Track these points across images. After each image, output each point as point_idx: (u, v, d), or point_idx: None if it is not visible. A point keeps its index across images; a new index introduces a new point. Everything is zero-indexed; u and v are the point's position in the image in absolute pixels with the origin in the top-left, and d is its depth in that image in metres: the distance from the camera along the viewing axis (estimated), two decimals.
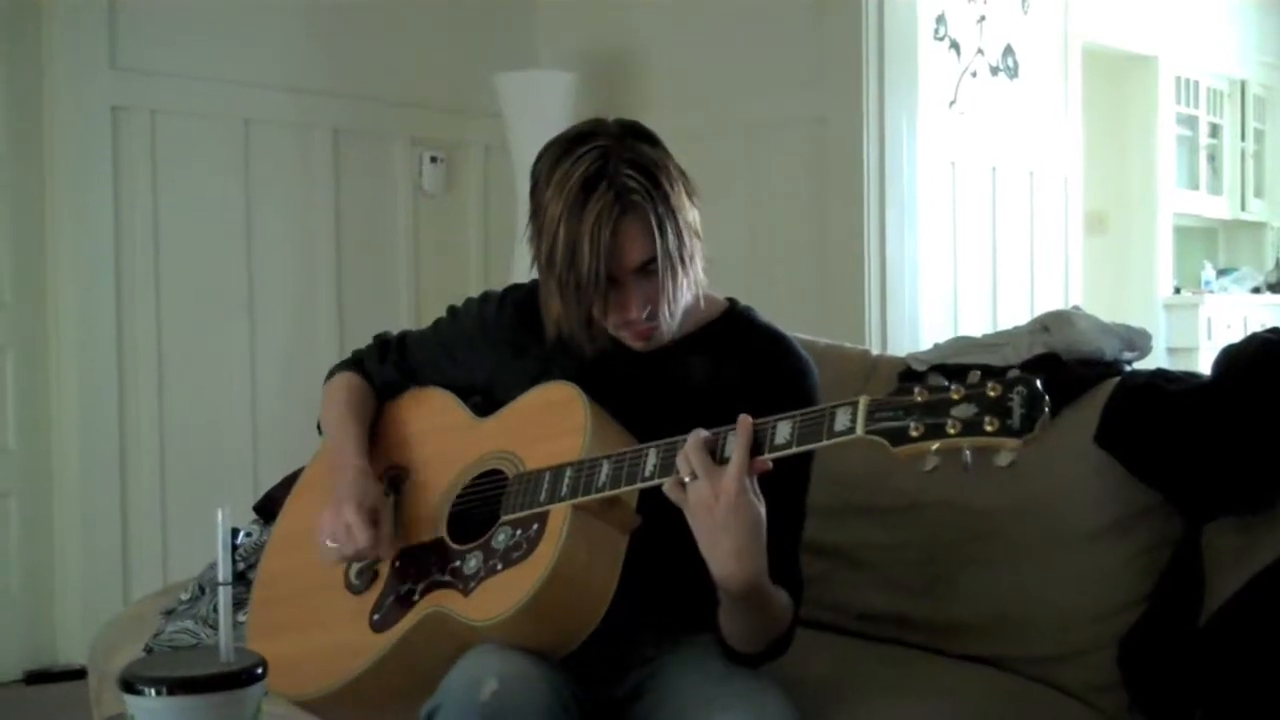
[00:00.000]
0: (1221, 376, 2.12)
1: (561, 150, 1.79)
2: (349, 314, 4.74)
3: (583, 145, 1.76)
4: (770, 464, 1.58)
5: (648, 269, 1.76)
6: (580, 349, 1.86)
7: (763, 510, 1.58)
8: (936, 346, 2.55)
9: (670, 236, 1.75)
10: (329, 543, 1.87)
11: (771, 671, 1.79)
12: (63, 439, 4.16)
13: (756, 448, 1.57)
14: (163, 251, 4.28)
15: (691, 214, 1.80)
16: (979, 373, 1.43)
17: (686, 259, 1.78)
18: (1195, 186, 8.11)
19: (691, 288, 1.82)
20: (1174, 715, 1.98)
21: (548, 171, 1.79)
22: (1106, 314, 2.44)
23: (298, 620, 1.94)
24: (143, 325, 4.24)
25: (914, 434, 1.43)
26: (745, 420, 1.58)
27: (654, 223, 1.74)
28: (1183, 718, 1.95)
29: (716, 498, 1.56)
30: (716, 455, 1.58)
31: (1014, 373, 1.42)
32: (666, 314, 1.79)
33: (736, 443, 1.56)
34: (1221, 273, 8.30)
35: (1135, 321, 2.45)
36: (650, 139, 1.81)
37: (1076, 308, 2.51)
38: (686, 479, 1.58)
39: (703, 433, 1.60)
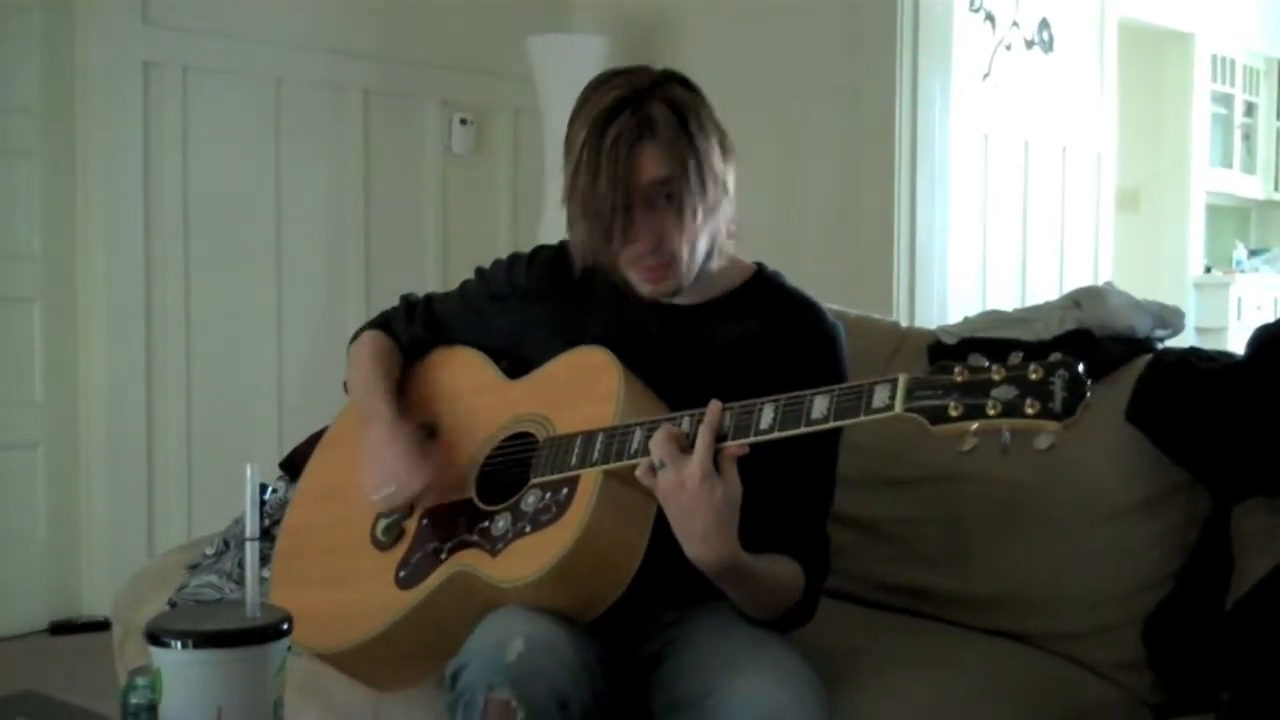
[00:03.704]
0: (1254, 356, 2.11)
1: (600, 82, 1.81)
2: (376, 274, 4.75)
3: (619, 78, 1.79)
4: (747, 449, 1.60)
5: (657, 202, 1.76)
6: (604, 289, 1.88)
7: (736, 493, 1.60)
8: (966, 320, 2.53)
9: (691, 173, 1.75)
10: (378, 495, 1.88)
11: (794, 639, 1.79)
12: (90, 392, 4.18)
13: (740, 432, 1.59)
14: (192, 208, 4.29)
15: (719, 165, 1.79)
16: (1020, 354, 1.43)
17: (708, 203, 1.77)
18: (1229, 165, 8.04)
19: (709, 238, 1.81)
20: (1200, 695, 1.97)
21: (581, 103, 1.81)
22: (1136, 292, 2.42)
23: (323, 575, 1.94)
24: (171, 281, 4.26)
25: (953, 413, 1.44)
26: (714, 406, 1.61)
27: (674, 153, 1.74)
28: (1209, 698, 1.94)
29: (682, 484, 1.59)
30: (685, 443, 1.61)
31: (1056, 356, 1.42)
32: (678, 252, 1.78)
33: (701, 431, 1.60)
34: (1253, 253, 8.23)
35: (1165, 300, 2.43)
36: (690, 86, 1.82)
37: (1109, 284, 2.49)
38: (657, 465, 1.61)
39: (670, 426, 1.62)
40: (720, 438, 1.61)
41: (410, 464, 1.88)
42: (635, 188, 1.74)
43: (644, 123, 1.73)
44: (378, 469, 1.90)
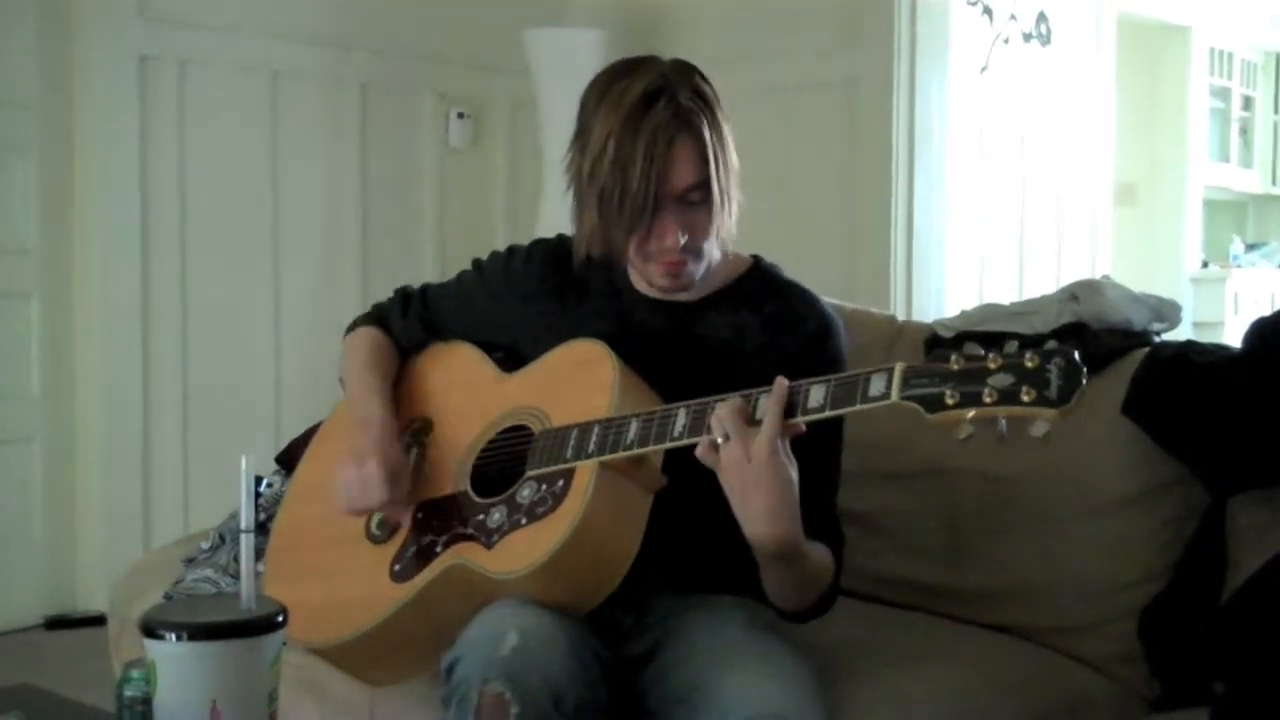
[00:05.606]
0: (1252, 348, 2.10)
1: (617, 73, 1.80)
2: (374, 268, 4.74)
3: (640, 68, 1.78)
4: (804, 427, 1.58)
5: (689, 198, 1.75)
6: (601, 283, 1.89)
7: (794, 472, 1.58)
8: (964, 313, 2.53)
9: (721, 167, 1.76)
10: (346, 494, 1.87)
11: (789, 633, 1.79)
12: (86, 386, 4.17)
13: (789, 410, 1.57)
14: (188, 202, 4.29)
15: (735, 159, 1.80)
16: (1016, 342, 1.43)
17: (729, 198, 1.79)
18: (1226, 159, 8.05)
19: (722, 233, 1.81)
20: (1195, 689, 1.97)
21: (599, 92, 1.79)
22: (1133, 286, 2.42)
23: (316, 569, 1.93)
24: (168, 274, 4.25)
25: (949, 402, 1.43)
26: (781, 383, 1.58)
27: (709, 148, 1.74)
28: (1203, 692, 1.94)
29: (749, 459, 1.56)
30: (750, 417, 1.58)
31: (1051, 343, 1.42)
32: (704, 247, 1.79)
33: (769, 405, 1.56)
34: (1250, 247, 8.24)
35: (1162, 294, 2.43)
36: (705, 78, 1.82)
37: (1106, 277, 2.49)
38: (720, 440, 1.58)
39: (736, 399, 1.59)
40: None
41: (384, 479, 1.83)
42: (670, 182, 1.74)
43: (679, 114, 1.73)
44: (354, 470, 1.85)
